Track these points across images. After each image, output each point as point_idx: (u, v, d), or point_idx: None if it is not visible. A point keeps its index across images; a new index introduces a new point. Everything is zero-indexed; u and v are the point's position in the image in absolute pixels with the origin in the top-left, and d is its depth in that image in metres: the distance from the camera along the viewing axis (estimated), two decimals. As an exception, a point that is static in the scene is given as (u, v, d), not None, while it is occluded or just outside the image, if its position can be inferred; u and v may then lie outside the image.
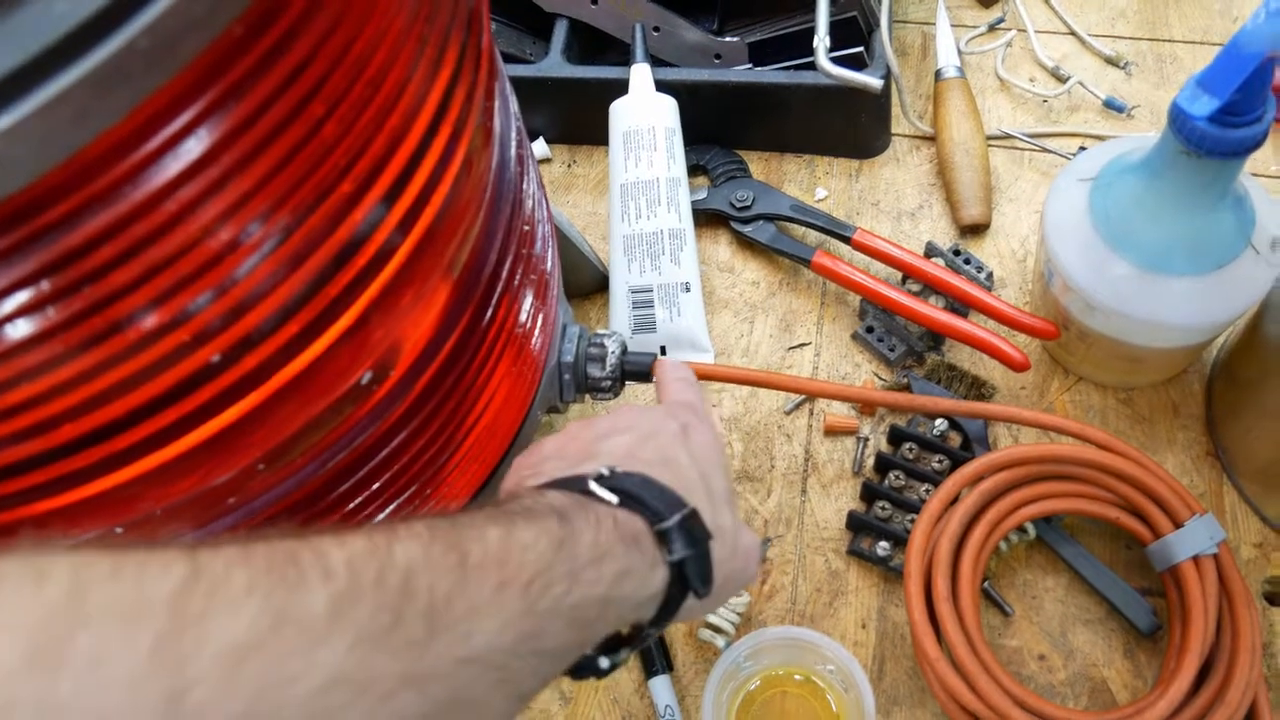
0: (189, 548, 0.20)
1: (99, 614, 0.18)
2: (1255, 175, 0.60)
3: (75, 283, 0.24)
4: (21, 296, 0.23)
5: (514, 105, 0.42)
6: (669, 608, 0.31)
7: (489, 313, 0.40)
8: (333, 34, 0.26)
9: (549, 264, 0.48)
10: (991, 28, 0.71)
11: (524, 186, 0.43)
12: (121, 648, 0.18)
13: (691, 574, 0.30)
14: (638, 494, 0.31)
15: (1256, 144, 0.43)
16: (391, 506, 0.41)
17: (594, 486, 0.31)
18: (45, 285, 0.23)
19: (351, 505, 0.39)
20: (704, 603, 0.33)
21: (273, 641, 0.19)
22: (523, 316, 0.44)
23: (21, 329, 0.24)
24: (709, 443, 0.36)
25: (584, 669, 0.30)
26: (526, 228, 0.43)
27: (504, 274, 0.41)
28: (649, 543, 0.30)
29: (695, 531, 0.31)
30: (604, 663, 0.30)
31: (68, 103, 0.20)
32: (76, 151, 0.21)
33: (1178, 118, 0.43)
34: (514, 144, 0.41)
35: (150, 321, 0.26)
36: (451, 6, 0.32)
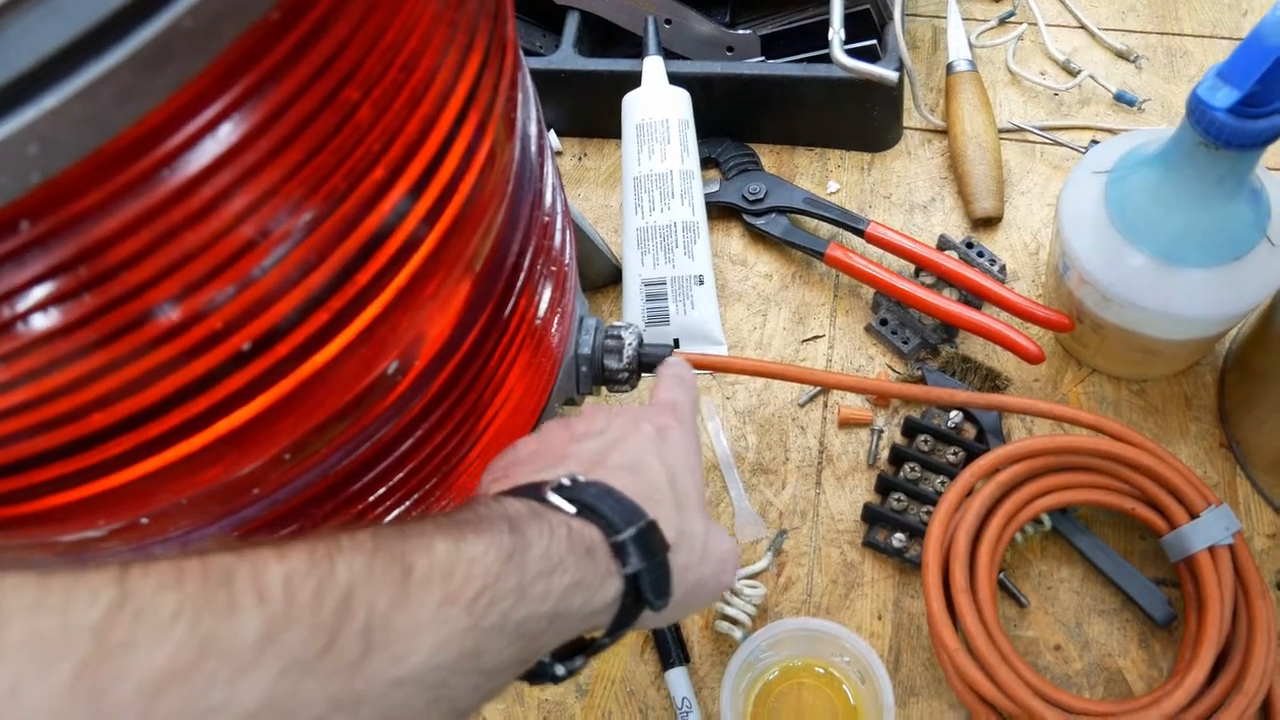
0: (121, 568, 0.20)
1: (20, 644, 0.18)
2: (1271, 170, 0.60)
3: (111, 268, 0.23)
4: (57, 282, 0.23)
5: (534, 97, 0.42)
6: (624, 619, 0.30)
7: (510, 304, 0.40)
8: (368, 18, 0.25)
9: (567, 256, 0.48)
10: (1002, 21, 0.71)
11: (544, 179, 0.42)
12: (41, 679, 0.18)
13: (646, 586, 0.30)
14: (594, 505, 0.30)
15: (1275, 136, 0.43)
16: (411, 499, 0.41)
17: (551, 496, 0.30)
18: (82, 270, 0.23)
19: (372, 498, 0.39)
20: (672, 611, 0.32)
21: (196, 671, 0.19)
22: (542, 309, 0.44)
23: (55, 315, 0.24)
24: (683, 446, 0.36)
25: (539, 675, 0.29)
26: (546, 219, 0.43)
27: (524, 266, 0.40)
28: (603, 554, 0.29)
29: (652, 543, 0.30)
30: (559, 670, 0.30)
31: (112, 83, 0.20)
32: (118, 133, 0.21)
33: (1197, 109, 0.43)
34: (534, 136, 0.41)
35: (184, 308, 0.25)
36: (480, -6, 0.31)
